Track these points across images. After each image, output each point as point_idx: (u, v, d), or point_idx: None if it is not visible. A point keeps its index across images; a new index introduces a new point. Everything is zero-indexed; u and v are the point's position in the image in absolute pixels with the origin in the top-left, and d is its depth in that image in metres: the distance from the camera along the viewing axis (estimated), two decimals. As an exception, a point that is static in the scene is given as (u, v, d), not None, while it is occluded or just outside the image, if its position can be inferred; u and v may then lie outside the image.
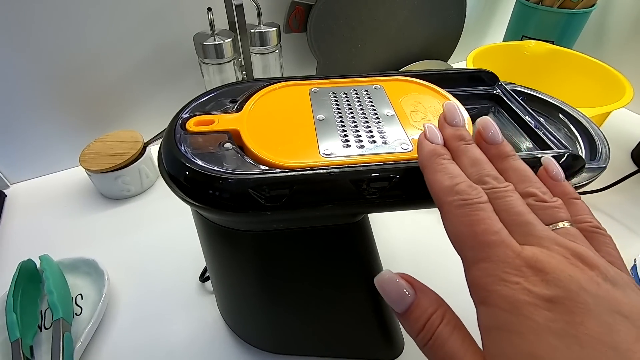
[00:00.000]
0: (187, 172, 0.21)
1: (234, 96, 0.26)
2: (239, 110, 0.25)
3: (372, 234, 0.25)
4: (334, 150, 0.22)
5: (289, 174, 0.20)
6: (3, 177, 0.49)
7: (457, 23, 0.65)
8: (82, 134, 0.50)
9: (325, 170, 0.20)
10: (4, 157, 0.48)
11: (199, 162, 0.21)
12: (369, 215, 0.45)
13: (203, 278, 0.38)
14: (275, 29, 0.46)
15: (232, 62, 0.46)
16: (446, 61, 0.68)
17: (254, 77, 0.48)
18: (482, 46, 0.56)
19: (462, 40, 0.67)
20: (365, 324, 0.29)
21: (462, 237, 0.16)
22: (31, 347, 0.31)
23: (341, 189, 0.20)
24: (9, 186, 0.50)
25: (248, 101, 0.26)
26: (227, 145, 0.22)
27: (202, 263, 0.39)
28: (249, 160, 0.21)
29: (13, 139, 0.47)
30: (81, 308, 0.35)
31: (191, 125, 0.23)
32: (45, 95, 0.46)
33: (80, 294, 0.36)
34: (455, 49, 0.68)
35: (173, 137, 0.23)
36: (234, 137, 0.23)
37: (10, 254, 0.42)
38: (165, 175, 0.22)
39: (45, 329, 0.33)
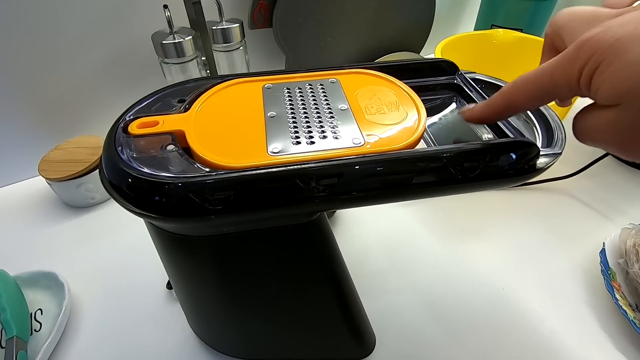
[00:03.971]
0: (127, 179, 0.19)
1: (182, 96, 0.25)
2: (186, 110, 0.24)
3: (332, 232, 0.24)
4: (282, 148, 0.21)
5: (233, 175, 0.19)
6: (-42, 190, 0.47)
7: (428, 14, 0.64)
8: (40, 141, 0.48)
9: (271, 169, 0.19)
10: (-42, 169, 0.46)
11: (140, 168, 0.20)
12: (339, 211, 0.44)
13: (169, 286, 0.37)
14: (237, 25, 0.45)
15: (195, 60, 0.44)
16: (418, 52, 0.68)
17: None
18: (451, 36, 0.56)
19: (433, 31, 0.67)
20: (333, 323, 0.28)
21: None
22: (-16, 369, 0.29)
23: (288, 188, 0.19)
24: (-35, 199, 0.48)
25: (197, 100, 0.25)
26: (170, 147, 0.21)
27: (170, 270, 0.38)
28: (195, 162, 0.20)
29: (-34, 149, 0.45)
30: (40, 324, 0.33)
31: (134, 128, 0.22)
32: (0, 103, 0.44)
33: (40, 309, 0.35)
34: (427, 40, 0.68)
35: (113, 141, 0.21)
36: (178, 138, 0.22)
37: (-34, 271, 0.39)
38: (106, 183, 0.21)
39: (1, 347, 0.32)
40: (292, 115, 0.23)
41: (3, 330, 0.32)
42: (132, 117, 0.23)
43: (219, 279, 0.26)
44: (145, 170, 0.19)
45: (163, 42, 0.42)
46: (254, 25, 0.50)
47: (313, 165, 0.19)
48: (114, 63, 0.48)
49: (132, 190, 0.19)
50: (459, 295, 0.36)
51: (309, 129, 0.22)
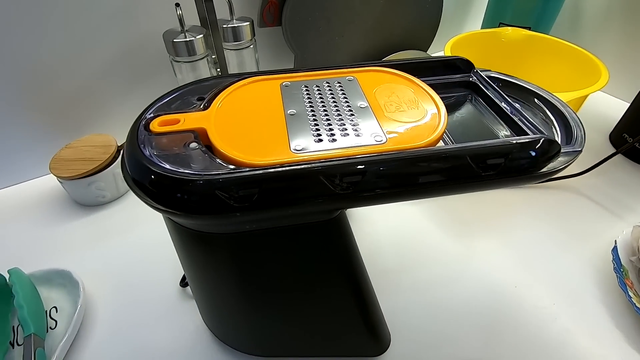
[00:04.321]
0: (150, 176, 0.19)
1: (201, 94, 0.25)
2: (206, 108, 0.24)
3: (351, 229, 0.25)
4: (305, 146, 0.21)
5: (258, 172, 0.19)
6: (-31, 189, 0.47)
7: (435, 12, 0.64)
8: (51, 140, 0.48)
9: (295, 167, 0.19)
10: (-31, 167, 0.46)
11: (163, 165, 0.20)
12: (351, 209, 0.44)
13: (183, 283, 0.37)
14: (248, 23, 0.45)
15: (205, 59, 0.44)
16: (425, 51, 0.67)
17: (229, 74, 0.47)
18: (460, 34, 0.56)
19: (440, 29, 0.67)
20: (349, 321, 0.28)
21: None
22: (2, 366, 0.29)
23: (313, 185, 0.19)
24: (-24, 198, 0.48)
25: (216, 98, 0.25)
26: (193, 145, 0.21)
27: (182, 268, 0.38)
28: (217, 159, 0.20)
29: (-22, 148, 0.45)
30: (56, 321, 0.34)
31: (155, 126, 0.22)
32: (10, 102, 0.44)
33: (55, 307, 0.35)
34: (434, 39, 0.67)
35: (136, 139, 0.22)
36: (200, 136, 0.22)
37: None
38: (129, 179, 0.21)
39: (18, 345, 0.32)
40: (312, 112, 0.24)
41: (20, 327, 0.33)
42: (152, 114, 0.23)
43: (237, 275, 0.26)
44: (169, 167, 0.19)
45: (174, 40, 0.42)
46: (264, 24, 0.50)
47: (337, 162, 0.19)
48: (123, 61, 0.48)
49: (157, 187, 0.19)
50: (471, 294, 0.36)
51: (330, 127, 0.22)
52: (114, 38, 0.46)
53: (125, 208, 0.46)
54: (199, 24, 0.45)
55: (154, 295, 0.37)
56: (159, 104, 0.24)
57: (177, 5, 0.40)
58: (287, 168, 0.19)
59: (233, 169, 0.19)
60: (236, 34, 0.45)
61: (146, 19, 0.46)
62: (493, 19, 0.65)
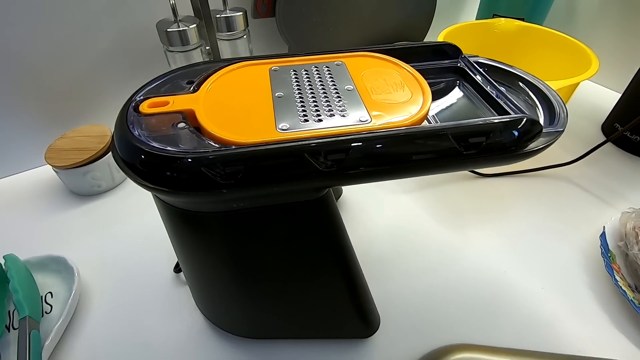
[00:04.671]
0: (139, 154, 0.20)
1: (191, 77, 0.26)
2: (195, 91, 0.24)
3: (338, 211, 0.25)
4: (291, 126, 0.21)
5: (244, 150, 0.19)
6: (-34, 179, 0.47)
7: (430, 3, 0.65)
8: (46, 131, 0.48)
9: (280, 145, 0.20)
10: (-35, 158, 0.46)
11: (151, 144, 0.20)
12: (345, 198, 0.45)
13: (177, 269, 0.37)
14: (241, 13, 0.45)
15: (199, 49, 0.45)
16: (420, 43, 0.68)
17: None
18: (453, 25, 0.56)
19: (435, 21, 0.67)
20: (339, 302, 0.29)
21: None
22: (-3, 348, 0.30)
23: (298, 163, 0.20)
24: (-28, 188, 0.48)
25: (205, 82, 0.25)
26: (181, 125, 0.22)
27: (175, 255, 0.39)
28: (205, 139, 0.21)
29: (-26, 138, 0.46)
30: (51, 306, 0.34)
31: (145, 108, 0.23)
32: (5, 93, 0.44)
33: (50, 292, 0.35)
34: (429, 31, 0.68)
35: (125, 119, 0.22)
36: (189, 117, 0.22)
37: (-24, 257, 0.40)
38: (118, 159, 0.21)
39: (14, 329, 0.32)
40: (300, 95, 0.24)
41: (16, 311, 0.33)
42: (142, 97, 0.24)
43: (227, 256, 0.26)
44: (157, 146, 0.20)
45: (168, 30, 0.42)
46: (257, 15, 0.51)
47: (321, 140, 0.20)
48: (118, 52, 0.48)
49: (146, 166, 0.20)
50: (462, 280, 0.37)
51: (317, 108, 0.23)
52: (109, 29, 0.46)
53: (120, 198, 0.47)
54: (192, 14, 0.46)
55: (148, 282, 0.37)
56: (149, 87, 0.25)
57: (170, -6, 0.40)
58: (273, 146, 0.20)
59: (219, 147, 0.20)
60: (229, 24, 0.45)
61: (141, 9, 0.46)
62: (487, 10, 0.65)
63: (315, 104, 0.23)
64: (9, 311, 0.34)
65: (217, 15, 0.45)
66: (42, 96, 0.47)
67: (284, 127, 0.21)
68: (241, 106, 0.23)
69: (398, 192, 0.47)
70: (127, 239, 0.42)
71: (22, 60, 0.44)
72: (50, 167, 0.45)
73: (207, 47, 0.46)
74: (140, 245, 0.41)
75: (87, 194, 0.47)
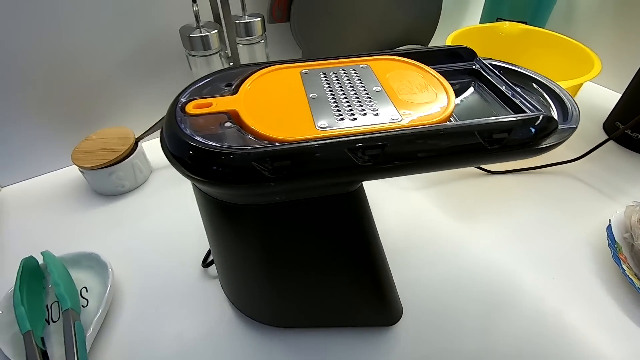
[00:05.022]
0: (193, 151, 0.22)
1: (228, 80, 0.28)
2: (234, 93, 0.26)
3: (368, 203, 0.27)
4: (329, 124, 0.23)
5: (290, 146, 0.21)
6: (-7, 181, 0.49)
7: (435, 7, 0.67)
8: (70, 133, 0.50)
9: (323, 141, 0.21)
10: (-8, 160, 0.48)
11: (204, 141, 0.22)
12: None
13: (205, 264, 0.39)
14: (259, 19, 0.47)
15: (218, 53, 0.47)
16: (426, 45, 0.70)
17: (241, 68, 0.49)
18: (459, 29, 0.58)
19: (440, 24, 0.69)
20: (366, 291, 0.31)
21: None
22: (42, 339, 0.31)
23: (338, 158, 0.21)
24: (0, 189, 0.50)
25: (243, 84, 0.27)
26: (228, 124, 0.23)
27: (202, 251, 0.40)
28: (250, 137, 0.23)
29: (2, 142, 0.47)
30: (87, 300, 0.36)
31: (190, 108, 0.24)
32: (30, 96, 0.46)
33: (85, 287, 0.37)
34: (434, 34, 0.70)
35: (174, 119, 0.24)
36: (232, 117, 0.24)
37: (8, 254, 0.42)
38: (170, 157, 0.23)
39: (53, 321, 0.34)
40: (332, 96, 0.26)
41: (56, 304, 0.35)
42: (186, 99, 0.26)
43: (262, 246, 0.28)
44: (210, 143, 0.22)
45: (190, 35, 0.44)
46: (273, 20, 0.53)
47: (360, 137, 0.22)
48: (139, 56, 0.50)
49: (199, 161, 0.21)
50: (474, 269, 0.39)
51: (350, 108, 0.25)
52: (131, 34, 0.48)
53: (143, 197, 0.48)
54: (212, 19, 0.47)
55: (177, 276, 0.39)
56: (191, 89, 0.27)
57: (194, 1, 0.42)
58: (316, 143, 0.21)
59: (267, 144, 0.22)
60: (248, 29, 0.47)
61: (160, 15, 0.48)
62: (491, 14, 0.67)
63: (348, 104, 0.25)
64: (47, 305, 0.35)
65: (236, 21, 0.46)
66: (65, 100, 0.48)
67: (323, 125, 0.23)
68: (279, 107, 0.25)
69: (409, 189, 0.48)
70: (152, 236, 0.43)
71: (48, 65, 0.45)
72: (77, 167, 0.46)
73: (226, 52, 0.48)
74: (165, 241, 0.42)
75: (110, 194, 0.48)
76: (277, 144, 0.22)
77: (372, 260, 0.29)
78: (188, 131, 0.23)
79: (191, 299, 0.37)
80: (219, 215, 0.27)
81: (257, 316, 0.34)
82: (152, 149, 0.53)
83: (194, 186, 0.28)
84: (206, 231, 0.30)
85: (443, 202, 0.47)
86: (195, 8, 0.43)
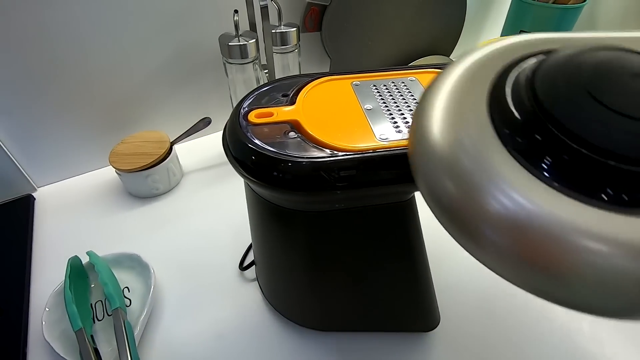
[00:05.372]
0: (257, 158, 0.23)
1: (284, 91, 0.29)
2: (292, 103, 0.27)
3: (417, 211, 0.28)
4: (388, 135, 0.24)
5: (355, 156, 0.22)
6: (30, 181, 0.50)
7: (459, 20, 0.68)
8: (105, 135, 0.51)
9: (386, 152, 0.22)
10: (30, 160, 0.49)
11: (272, 149, 0.23)
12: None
13: (243, 267, 0.40)
14: (295, 29, 0.48)
15: (254, 62, 0.48)
16: (448, 56, 0.71)
17: (275, 76, 0.50)
18: (483, 41, 0.60)
19: (462, 36, 0.70)
20: (409, 296, 0.31)
21: None
22: (92, 336, 0.32)
23: (401, 167, 0.22)
24: (36, 189, 0.51)
25: (299, 95, 0.28)
26: (292, 134, 0.24)
27: (236, 252, 0.41)
28: (313, 146, 0.24)
29: (39, 142, 0.48)
30: (130, 300, 0.37)
31: (253, 118, 0.26)
32: (71, 97, 0.47)
33: (127, 287, 0.38)
34: (457, 45, 0.71)
35: (239, 128, 0.25)
36: (295, 127, 0.25)
37: (49, 254, 0.43)
38: (235, 164, 0.24)
39: (98, 320, 0.35)
40: (386, 107, 0.27)
41: (101, 302, 0.36)
42: (247, 108, 0.27)
43: (311, 250, 0.29)
44: (277, 151, 0.23)
45: (229, 44, 0.45)
46: (305, 29, 0.54)
47: (421, 148, 0.23)
48: (175, 63, 0.51)
49: (269, 169, 0.22)
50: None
51: (405, 120, 0.26)
52: (170, 42, 0.49)
53: (176, 200, 0.49)
54: (248, 28, 0.49)
55: (215, 278, 0.40)
56: (250, 99, 0.28)
57: (236, 11, 0.44)
58: (380, 153, 0.22)
59: (333, 154, 0.23)
60: (284, 39, 0.48)
61: (199, 23, 0.50)
62: (513, 27, 0.69)
63: (402, 115, 0.26)
64: (91, 304, 0.36)
65: (273, 31, 0.48)
66: (103, 103, 0.50)
67: (383, 136, 0.24)
68: (337, 117, 0.26)
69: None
70: (187, 238, 0.44)
71: (91, 68, 0.47)
72: (111, 169, 0.47)
73: (260, 60, 0.49)
74: (201, 243, 0.43)
75: (145, 196, 0.49)
76: (341, 153, 0.23)
77: (418, 268, 0.30)
78: (256, 140, 0.24)
79: (230, 301, 0.37)
80: (272, 219, 0.28)
81: (298, 319, 0.35)
82: (184, 152, 0.54)
83: (248, 190, 0.29)
84: (253, 233, 0.31)
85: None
86: (236, 18, 0.44)
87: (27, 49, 0.42)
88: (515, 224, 0.11)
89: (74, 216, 0.47)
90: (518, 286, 0.13)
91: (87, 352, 0.30)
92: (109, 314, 0.35)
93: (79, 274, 0.37)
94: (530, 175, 0.12)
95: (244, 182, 0.28)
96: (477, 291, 0.38)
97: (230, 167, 0.25)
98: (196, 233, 0.45)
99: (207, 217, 0.47)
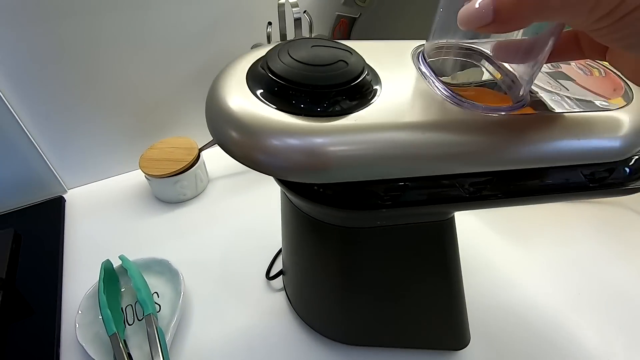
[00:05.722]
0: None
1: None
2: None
3: (456, 230, 0.28)
4: (432, 155, 0.24)
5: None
6: (62, 182, 0.51)
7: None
8: (136, 140, 0.52)
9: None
10: (62, 162, 0.50)
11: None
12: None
13: (269, 277, 0.40)
14: (325, 41, 0.49)
15: (284, 72, 0.48)
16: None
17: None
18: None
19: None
20: (442, 314, 0.31)
21: None
22: (124, 341, 0.33)
23: (446, 188, 0.22)
24: (66, 191, 0.52)
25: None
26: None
27: (263, 261, 0.42)
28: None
29: (72, 145, 0.50)
30: (159, 306, 0.37)
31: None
32: (105, 103, 0.48)
33: (156, 292, 0.38)
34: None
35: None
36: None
37: (79, 256, 0.44)
38: (281, 184, 0.24)
39: (129, 324, 0.35)
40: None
41: (131, 306, 0.36)
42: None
43: (346, 265, 0.29)
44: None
45: (261, 54, 0.46)
46: (333, 41, 0.55)
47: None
48: (205, 72, 0.52)
49: (317, 187, 0.23)
50: (533, 299, 0.39)
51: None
52: (203, 52, 0.50)
53: (203, 206, 0.50)
54: (279, 40, 0.49)
55: (243, 286, 0.40)
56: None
57: (269, 23, 0.44)
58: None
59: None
60: (314, 50, 0.49)
61: (233, 33, 0.51)
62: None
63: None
64: (122, 308, 0.37)
65: (303, 42, 0.48)
66: (136, 108, 0.51)
67: (427, 156, 0.24)
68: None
69: (464, 212, 0.49)
70: (213, 244, 0.45)
71: (126, 76, 0.48)
72: (140, 173, 0.48)
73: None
74: (227, 250, 0.44)
75: (172, 201, 0.50)
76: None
77: (453, 287, 0.29)
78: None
79: (258, 310, 0.38)
80: (308, 231, 0.28)
81: (325, 332, 0.35)
82: (211, 158, 0.54)
83: (284, 200, 0.29)
84: (286, 243, 0.31)
85: (497, 224, 0.47)
86: (269, 30, 0.45)
87: (69, 59, 0.43)
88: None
89: (102, 218, 0.48)
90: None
91: (121, 357, 0.30)
92: (140, 318, 0.36)
93: (111, 278, 0.38)
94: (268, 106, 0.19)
95: (281, 191, 0.29)
96: (508, 309, 0.38)
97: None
98: (222, 240, 0.45)
99: (233, 224, 0.47)
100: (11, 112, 0.43)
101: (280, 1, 0.46)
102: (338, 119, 0.19)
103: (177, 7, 0.46)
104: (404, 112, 0.20)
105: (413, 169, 0.21)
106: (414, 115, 0.20)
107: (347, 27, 0.54)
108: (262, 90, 0.19)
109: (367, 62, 0.21)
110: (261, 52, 0.22)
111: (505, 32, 0.16)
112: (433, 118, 0.20)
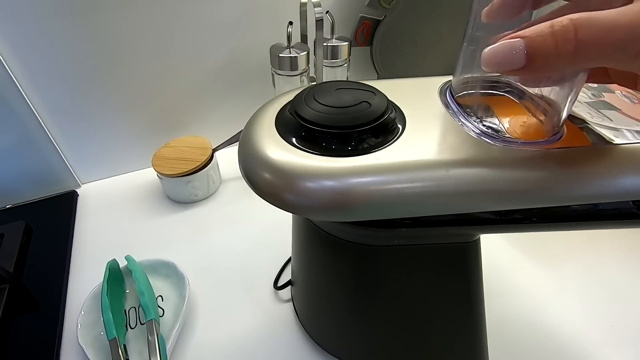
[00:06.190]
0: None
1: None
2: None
3: (481, 253, 0.25)
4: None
5: (425, 192, 0.20)
6: (75, 177, 0.51)
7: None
8: (150, 138, 0.52)
9: (459, 191, 0.20)
10: (77, 157, 0.50)
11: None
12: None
13: (278, 287, 0.38)
14: (347, 43, 0.47)
15: (303, 74, 0.47)
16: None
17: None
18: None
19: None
20: (457, 341, 0.29)
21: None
22: (124, 346, 0.32)
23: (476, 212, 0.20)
24: (80, 186, 0.52)
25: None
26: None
27: (271, 268, 0.40)
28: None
29: (88, 140, 0.49)
30: (163, 310, 0.36)
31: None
32: (122, 100, 0.48)
33: (161, 296, 0.37)
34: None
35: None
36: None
37: (87, 254, 0.43)
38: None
39: (131, 328, 0.34)
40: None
41: (134, 309, 0.35)
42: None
43: (361, 284, 0.27)
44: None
45: (280, 55, 0.44)
46: (355, 43, 0.53)
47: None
48: (223, 71, 0.51)
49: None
50: (564, 329, 0.36)
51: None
52: (222, 51, 0.49)
53: (214, 207, 0.49)
54: (299, 40, 0.48)
55: (249, 294, 0.38)
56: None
57: (290, 23, 0.43)
58: (452, 191, 0.20)
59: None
60: (334, 52, 0.47)
61: (251, 33, 0.49)
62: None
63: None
64: (125, 310, 0.36)
65: (324, 44, 0.47)
66: (153, 106, 0.50)
67: (453, 172, 0.22)
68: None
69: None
70: (222, 248, 0.43)
71: (143, 73, 0.47)
72: (155, 172, 0.47)
73: (308, 72, 0.48)
74: (236, 255, 0.42)
75: (182, 201, 0.49)
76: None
77: (474, 313, 0.27)
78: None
79: (263, 320, 0.36)
80: (320, 245, 0.26)
81: (332, 349, 0.33)
82: (224, 159, 0.53)
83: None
84: (296, 255, 0.30)
85: (523, 244, 0.44)
86: (289, 29, 0.43)
87: (89, 55, 0.43)
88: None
89: (113, 215, 0.48)
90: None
91: (119, 364, 0.29)
92: (142, 323, 0.35)
93: (116, 278, 0.37)
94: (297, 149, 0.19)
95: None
96: (533, 340, 0.35)
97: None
98: (230, 244, 0.44)
99: (243, 228, 0.46)
100: (29, 106, 0.43)
101: (302, 0, 0.44)
102: (363, 157, 0.18)
103: (199, 5, 0.45)
104: (435, 151, 0.19)
105: (449, 208, 0.19)
106: (448, 153, 0.18)
107: (370, 29, 0.52)
108: (290, 134, 0.20)
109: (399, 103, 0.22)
110: (288, 97, 0.23)
111: (534, 76, 0.15)
112: (478, 157, 0.18)
